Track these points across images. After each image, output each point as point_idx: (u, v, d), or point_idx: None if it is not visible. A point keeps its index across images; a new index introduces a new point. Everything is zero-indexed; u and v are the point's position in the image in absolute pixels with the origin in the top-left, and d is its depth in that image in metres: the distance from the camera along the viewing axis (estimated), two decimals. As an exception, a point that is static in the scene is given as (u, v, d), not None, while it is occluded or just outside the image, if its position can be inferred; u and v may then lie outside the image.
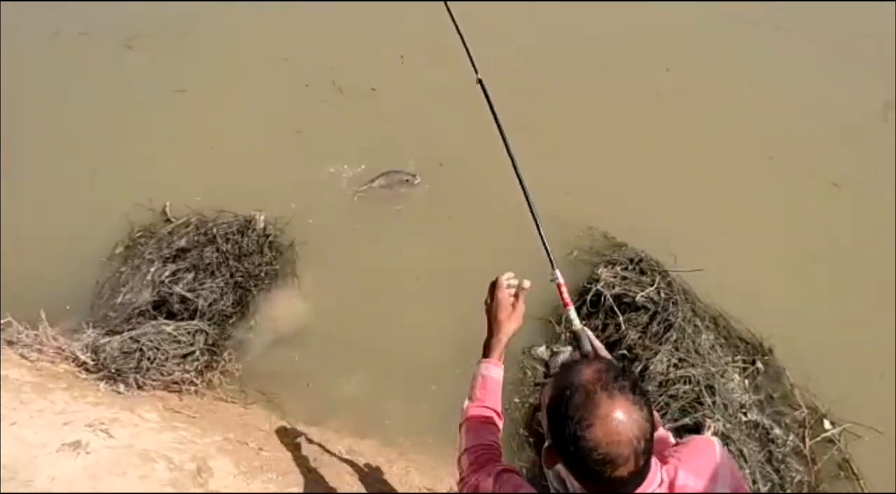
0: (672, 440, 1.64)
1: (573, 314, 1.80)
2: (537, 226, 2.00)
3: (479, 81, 2.18)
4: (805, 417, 3.18)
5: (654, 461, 1.36)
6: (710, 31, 4.82)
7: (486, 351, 1.82)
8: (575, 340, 1.76)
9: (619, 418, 1.27)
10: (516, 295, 1.86)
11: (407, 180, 4.09)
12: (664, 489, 1.38)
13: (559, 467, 1.38)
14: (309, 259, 3.86)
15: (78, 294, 3.74)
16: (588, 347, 1.74)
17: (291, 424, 3.34)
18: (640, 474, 1.31)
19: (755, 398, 3.20)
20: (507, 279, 1.90)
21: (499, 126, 2.06)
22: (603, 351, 1.77)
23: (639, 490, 1.33)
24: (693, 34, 4.78)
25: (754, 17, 4.86)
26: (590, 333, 1.78)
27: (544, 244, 1.97)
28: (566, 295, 1.86)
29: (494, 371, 1.79)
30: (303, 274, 3.80)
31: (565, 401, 1.31)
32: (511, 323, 1.83)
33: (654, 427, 1.32)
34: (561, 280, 1.88)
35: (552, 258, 1.91)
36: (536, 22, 4.90)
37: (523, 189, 2.01)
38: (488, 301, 1.89)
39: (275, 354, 3.56)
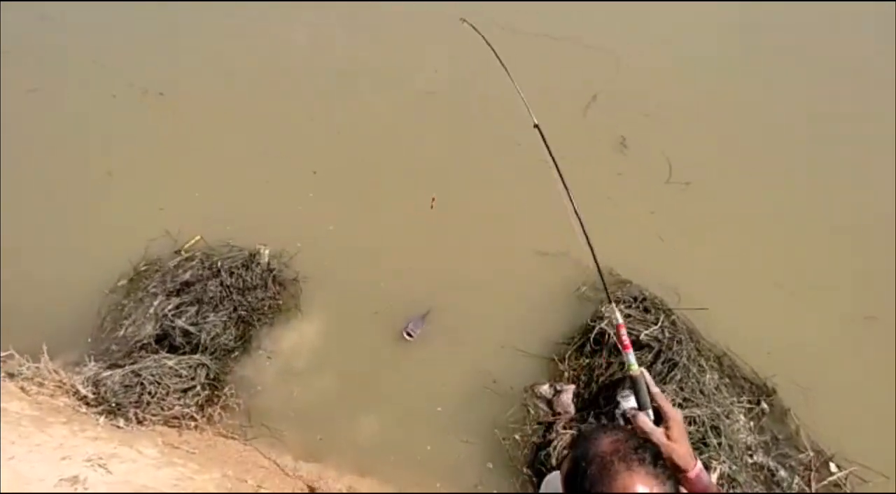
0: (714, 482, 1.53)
1: (632, 358, 1.69)
2: (597, 264, 1.93)
3: (536, 126, 2.17)
4: (811, 460, 3.13)
5: None
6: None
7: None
8: (632, 385, 1.65)
9: (634, 478, 1.19)
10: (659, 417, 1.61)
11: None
12: None
13: None
14: (313, 293, 3.85)
15: (80, 327, 3.73)
16: (646, 394, 1.62)
17: (291, 461, 3.31)
18: None
19: (760, 439, 3.16)
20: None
21: (557, 168, 2.02)
22: (661, 399, 1.62)
23: None
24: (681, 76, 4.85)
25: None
26: (648, 378, 1.65)
27: (604, 284, 1.91)
28: (625, 338, 1.76)
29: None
30: (306, 308, 3.79)
31: (581, 473, 1.23)
32: (674, 444, 1.52)
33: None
34: (620, 319, 1.82)
35: (610, 297, 1.85)
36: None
37: (583, 229, 1.96)
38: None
39: (276, 390, 3.54)
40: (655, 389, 1.63)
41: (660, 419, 1.56)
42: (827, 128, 4.43)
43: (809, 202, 4.11)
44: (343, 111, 4.71)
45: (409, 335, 3.61)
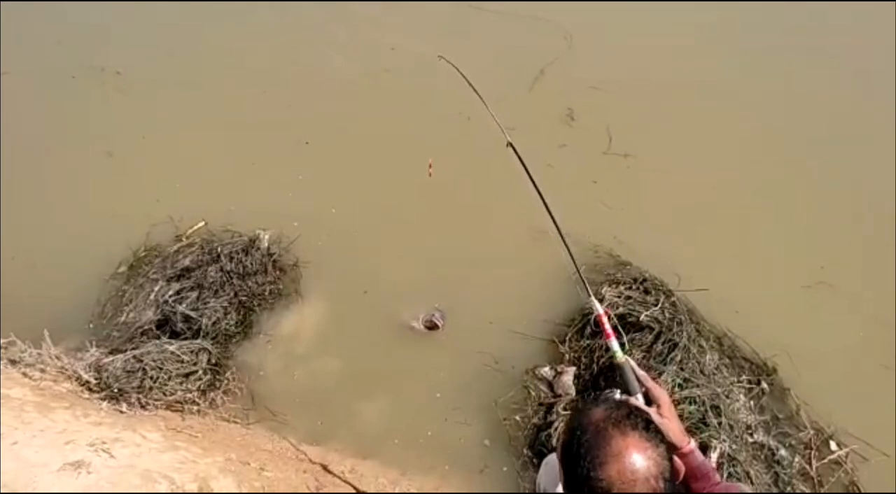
0: (715, 476, 1.56)
1: (615, 345, 1.73)
2: (571, 256, 1.94)
3: (510, 144, 2.16)
4: (811, 438, 3.15)
5: None
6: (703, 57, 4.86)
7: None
8: (619, 373, 1.67)
9: (634, 455, 1.20)
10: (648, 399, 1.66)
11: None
12: None
13: None
14: (314, 278, 3.85)
15: (81, 313, 3.74)
16: (633, 380, 1.64)
17: (294, 444, 3.32)
18: None
19: (761, 419, 3.17)
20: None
21: (534, 183, 2.01)
22: (649, 382, 1.66)
23: None
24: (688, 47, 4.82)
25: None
26: (633, 364, 1.68)
27: (579, 273, 1.91)
28: (608, 326, 1.80)
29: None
30: (307, 293, 3.79)
31: (576, 441, 1.25)
32: (666, 420, 1.59)
33: (674, 469, 1.25)
34: (601, 310, 1.82)
35: (588, 288, 1.86)
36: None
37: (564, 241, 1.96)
38: None
39: (277, 373, 3.55)
40: (642, 373, 1.68)
41: (649, 402, 1.62)
42: (785, 106, 4.44)
43: (812, 182, 4.10)
44: (334, 95, 4.72)
45: (433, 325, 3.58)
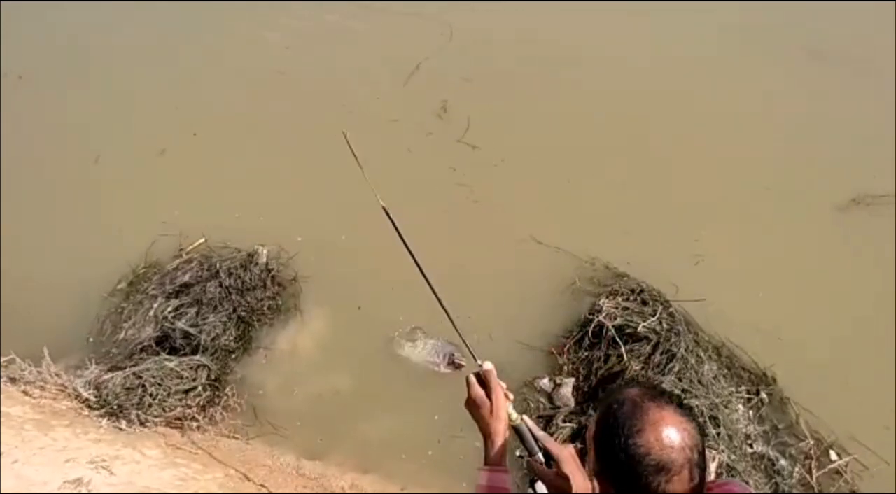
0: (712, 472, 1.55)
1: (510, 408, 1.59)
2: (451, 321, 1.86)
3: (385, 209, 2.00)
4: (811, 448, 3.14)
5: None
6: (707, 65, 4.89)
7: (485, 459, 1.57)
8: (518, 435, 1.58)
9: (670, 423, 1.22)
10: (488, 386, 1.62)
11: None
12: None
13: None
14: (313, 293, 3.86)
15: (80, 330, 3.76)
16: (531, 440, 1.58)
17: (293, 459, 3.32)
18: None
19: (760, 429, 3.17)
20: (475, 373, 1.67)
21: (409, 249, 1.90)
22: (548, 442, 1.60)
23: None
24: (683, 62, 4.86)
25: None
26: (530, 424, 1.61)
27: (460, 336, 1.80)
28: (504, 388, 1.63)
29: (496, 479, 1.55)
30: (306, 308, 3.80)
31: (613, 413, 1.27)
32: (497, 422, 1.57)
33: (705, 448, 1.26)
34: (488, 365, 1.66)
35: (472, 351, 1.74)
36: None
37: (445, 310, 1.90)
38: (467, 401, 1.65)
39: (277, 389, 3.55)
40: (540, 432, 1.62)
41: (549, 460, 1.57)
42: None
43: (806, 190, 4.11)
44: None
45: (457, 365, 3.51)
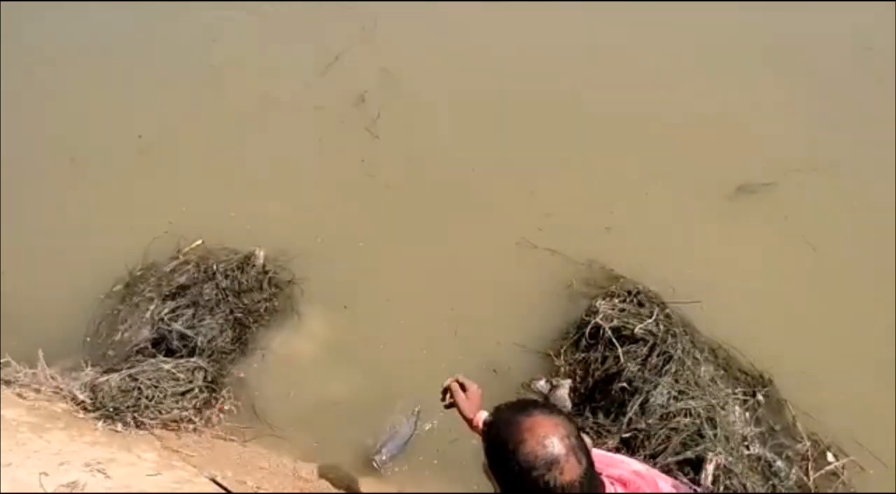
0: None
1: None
2: None
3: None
4: (808, 449, 3.14)
5: (604, 479, 1.48)
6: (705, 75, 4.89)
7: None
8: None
9: (542, 424, 1.37)
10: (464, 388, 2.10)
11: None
12: (621, 488, 1.50)
13: None
14: (310, 295, 3.86)
15: (76, 332, 3.73)
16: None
17: (290, 462, 3.31)
18: (590, 479, 1.36)
19: (757, 430, 3.17)
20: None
21: None
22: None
23: None
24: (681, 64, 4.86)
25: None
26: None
27: None
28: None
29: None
30: (303, 310, 3.80)
31: (494, 439, 1.43)
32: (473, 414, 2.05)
33: (581, 434, 1.42)
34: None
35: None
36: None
37: None
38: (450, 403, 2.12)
39: (273, 391, 3.54)
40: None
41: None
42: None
43: (804, 191, 4.12)
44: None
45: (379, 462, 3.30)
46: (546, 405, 1.47)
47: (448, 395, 2.11)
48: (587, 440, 1.45)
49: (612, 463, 1.57)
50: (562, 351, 3.54)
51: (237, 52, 5.15)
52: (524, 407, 1.45)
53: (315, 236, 4.05)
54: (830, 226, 3.96)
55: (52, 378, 3.38)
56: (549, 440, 1.34)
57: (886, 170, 4.13)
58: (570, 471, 1.32)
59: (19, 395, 3.36)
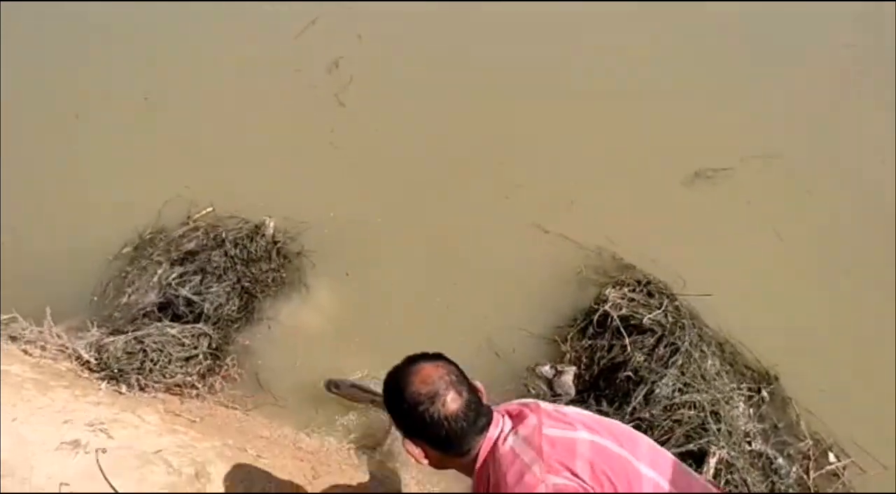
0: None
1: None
2: None
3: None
4: (810, 448, 3.14)
5: (495, 412, 1.63)
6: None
7: None
8: None
9: (424, 367, 1.57)
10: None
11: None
12: (509, 423, 1.61)
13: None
14: (319, 268, 3.85)
15: (83, 292, 3.73)
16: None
17: (291, 432, 3.31)
18: (475, 408, 1.55)
19: (760, 427, 3.17)
20: None
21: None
22: None
23: (490, 433, 1.57)
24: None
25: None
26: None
27: None
28: None
29: None
30: (310, 282, 3.79)
31: (388, 390, 1.63)
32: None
33: (463, 373, 1.61)
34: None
35: None
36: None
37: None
38: None
39: (277, 361, 3.54)
40: None
41: None
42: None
43: (815, 187, 4.09)
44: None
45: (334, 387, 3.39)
46: (430, 355, 1.63)
47: None
48: (478, 384, 1.65)
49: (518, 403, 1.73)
50: (568, 337, 3.53)
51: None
52: (411, 359, 1.62)
53: (328, 210, 4.03)
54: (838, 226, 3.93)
55: (58, 336, 3.37)
56: (431, 378, 1.53)
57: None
58: (453, 402, 1.51)
59: (25, 351, 3.36)
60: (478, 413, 1.56)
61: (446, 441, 1.54)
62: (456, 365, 1.61)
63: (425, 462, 1.65)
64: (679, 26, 4.95)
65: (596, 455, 1.53)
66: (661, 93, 4.59)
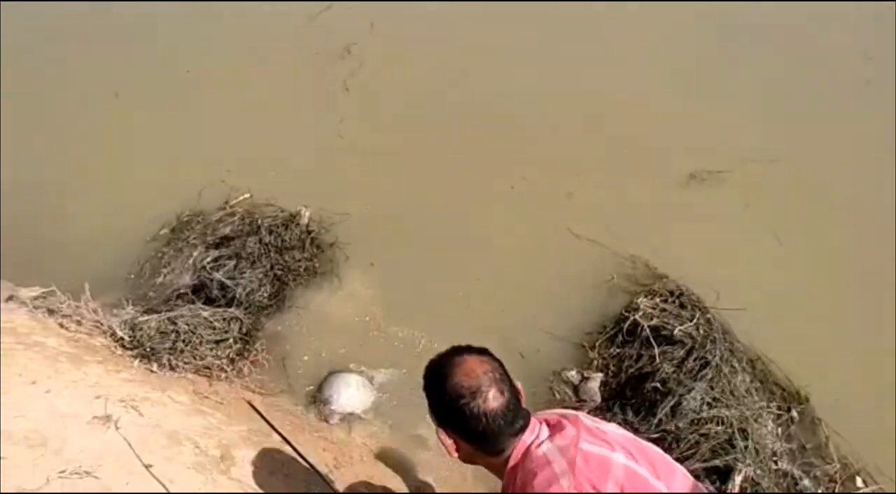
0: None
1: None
2: None
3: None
4: (837, 472, 3.09)
5: (533, 417, 1.61)
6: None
7: None
8: None
9: (468, 361, 1.56)
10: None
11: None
12: (546, 431, 1.58)
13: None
14: (351, 259, 3.88)
15: (120, 270, 3.82)
16: None
17: (315, 421, 3.34)
18: (514, 409, 1.54)
19: (787, 446, 3.12)
20: None
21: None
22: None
23: (525, 437, 1.55)
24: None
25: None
26: None
27: None
28: None
29: None
30: (342, 274, 3.81)
31: (429, 379, 1.62)
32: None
33: (506, 371, 1.60)
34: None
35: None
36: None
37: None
38: None
39: (305, 350, 3.58)
40: None
41: None
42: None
43: (856, 204, 4.01)
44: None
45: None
46: (476, 348, 1.63)
47: None
48: (518, 385, 1.62)
49: (558, 413, 1.69)
50: (596, 344, 3.51)
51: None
52: (456, 349, 1.62)
53: (364, 204, 4.05)
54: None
55: (94, 312, 3.44)
56: (475, 373, 1.52)
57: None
58: (494, 400, 1.50)
59: (61, 325, 3.43)
60: (516, 415, 1.54)
61: (481, 437, 1.53)
62: (500, 363, 1.60)
63: (455, 454, 1.63)
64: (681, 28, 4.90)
65: (628, 481, 1.49)
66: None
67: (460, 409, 1.51)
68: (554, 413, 1.67)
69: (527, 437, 1.55)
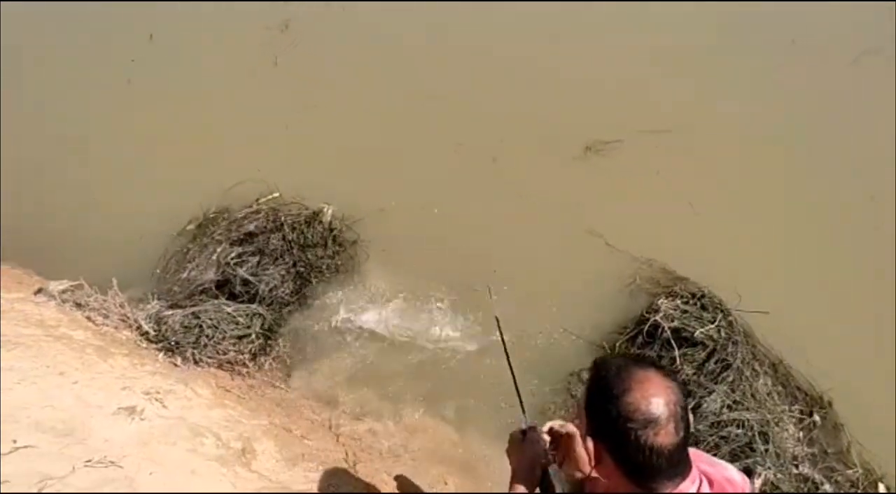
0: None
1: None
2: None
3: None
4: (859, 477, 3.06)
5: (695, 469, 1.41)
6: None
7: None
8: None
9: (655, 382, 1.35)
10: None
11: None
12: (706, 488, 1.41)
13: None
14: (372, 257, 3.90)
15: (146, 265, 3.89)
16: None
17: (334, 418, 3.37)
18: (680, 452, 1.34)
19: (808, 451, 3.10)
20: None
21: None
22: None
23: (685, 487, 1.36)
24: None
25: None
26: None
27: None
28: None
29: None
30: (364, 271, 3.84)
31: (603, 378, 1.41)
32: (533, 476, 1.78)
33: (687, 406, 1.38)
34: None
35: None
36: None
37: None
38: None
39: (327, 347, 3.61)
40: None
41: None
42: None
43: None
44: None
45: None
46: (664, 367, 1.44)
47: (556, 446, 1.86)
48: (691, 418, 1.41)
49: (709, 462, 1.52)
50: (617, 344, 3.50)
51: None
52: (643, 360, 1.44)
53: (387, 202, 4.07)
54: None
55: (121, 306, 3.51)
56: (656, 399, 1.32)
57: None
58: (665, 436, 1.31)
59: (88, 318, 3.50)
60: (681, 459, 1.36)
61: (635, 468, 1.35)
62: (685, 394, 1.40)
63: (590, 467, 1.46)
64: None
65: None
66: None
67: (626, 432, 1.33)
68: (717, 472, 1.51)
69: (685, 487, 1.38)
